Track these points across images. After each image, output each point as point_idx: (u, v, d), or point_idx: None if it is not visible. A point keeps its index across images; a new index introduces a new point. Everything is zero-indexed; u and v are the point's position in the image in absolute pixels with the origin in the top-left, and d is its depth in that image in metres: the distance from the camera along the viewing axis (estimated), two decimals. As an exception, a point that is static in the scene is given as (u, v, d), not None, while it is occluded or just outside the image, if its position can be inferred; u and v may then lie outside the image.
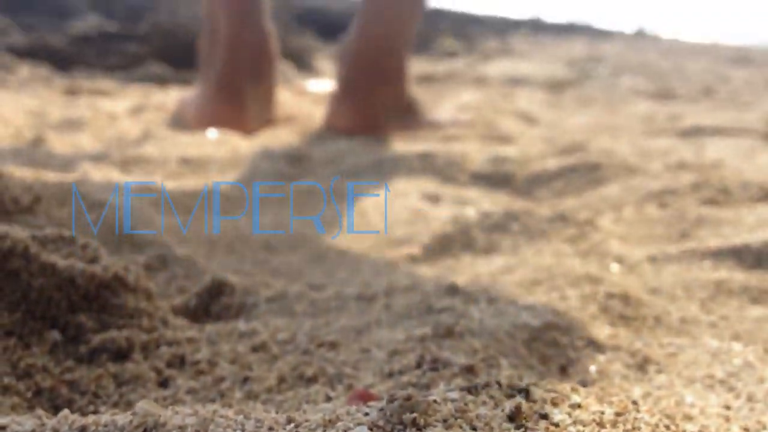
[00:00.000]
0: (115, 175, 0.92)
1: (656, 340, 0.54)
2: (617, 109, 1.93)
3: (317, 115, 1.49)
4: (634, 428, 0.34)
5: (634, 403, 0.36)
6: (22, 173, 0.80)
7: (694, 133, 1.46)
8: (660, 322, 0.57)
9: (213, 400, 0.44)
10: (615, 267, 0.69)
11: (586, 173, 1.05)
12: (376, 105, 1.36)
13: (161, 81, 1.93)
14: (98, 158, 1.00)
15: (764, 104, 2.03)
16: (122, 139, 1.14)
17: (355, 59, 1.36)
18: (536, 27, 8.04)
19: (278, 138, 1.28)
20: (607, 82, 2.77)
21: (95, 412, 0.41)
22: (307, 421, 0.32)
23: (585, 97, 2.23)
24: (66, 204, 0.67)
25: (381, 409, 0.32)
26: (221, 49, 1.31)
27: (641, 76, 3.12)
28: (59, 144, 1.08)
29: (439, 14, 6.44)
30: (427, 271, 0.70)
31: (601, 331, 0.54)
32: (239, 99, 1.30)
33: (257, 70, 1.33)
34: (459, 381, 0.43)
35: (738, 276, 0.65)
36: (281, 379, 0.46)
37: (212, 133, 1.21)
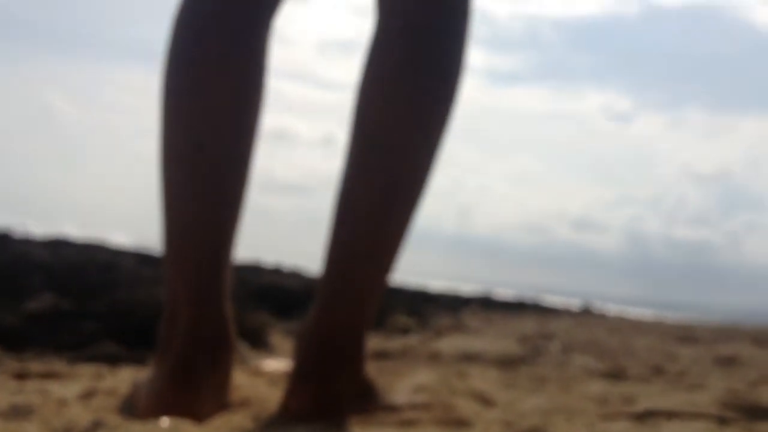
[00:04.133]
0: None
1: None
2: (571, 389, 1.94)
3: (273, 397, 1.47)
4: None
5: None
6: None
7: (648, 416, 1.47)
8: None
9: None
10: None
11: (546, 462, 1.03)
12: (334, 388, 1.35)
13: (114, 361, 1.91)
14: (45, 449, 0.97)
15: (714, 385, 2.06)
16: (71, 429, 1.11)
17: (314, 340, 1.37)
18: (486, 304, 8.26)
19: (231, 424, 1.26)
20: (559, 360, 2.81)
21: None
22: None
23: (538, 376, 2.24)
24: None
25: None
26: (179, 334, 1.31)
27: (591, 353, 3.18)
28: (5, 433, 1.05)
29: (393, 292, 6.61)
30: None
31: None
32: (194, 386, 1.28)
33: (214, 357, 1.33)
34: None
35: None
36: None
37: (164, 421, 1.18)
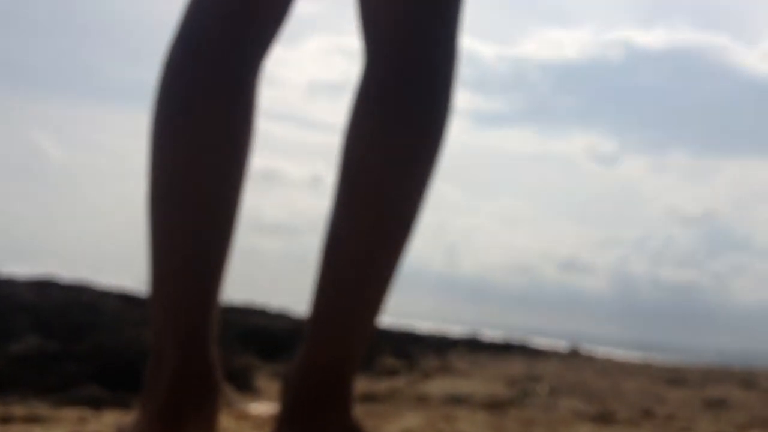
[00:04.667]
0: None
1: None
2: (559, 433, 1.93)
3: (258, 441, 1.46)
4: None
5: None
6: None
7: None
8: None
9: None
10: None
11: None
12: (320, 432, 1.33)
13: (98, 404, 1.89)
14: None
15: (703, 428, 2.05)
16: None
17: (301, 383, 1.35)
18: (474, 345, 8.23)
19: (218, 468, 1.24)
20: (547, 403, 2.79)
21: None
22: None
23: (526, 419, 2.23)
24: None
25: None
26: (165, 377, 1.30)
27: (579, 396, 3.16)
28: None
29: (380, 333, 6.58)
30: None
31: None
32: (180, 430, 1.27)
33: (200, 400, 1.31)
34: None
35: None
36: None
37: (149, 465, 1.16)
